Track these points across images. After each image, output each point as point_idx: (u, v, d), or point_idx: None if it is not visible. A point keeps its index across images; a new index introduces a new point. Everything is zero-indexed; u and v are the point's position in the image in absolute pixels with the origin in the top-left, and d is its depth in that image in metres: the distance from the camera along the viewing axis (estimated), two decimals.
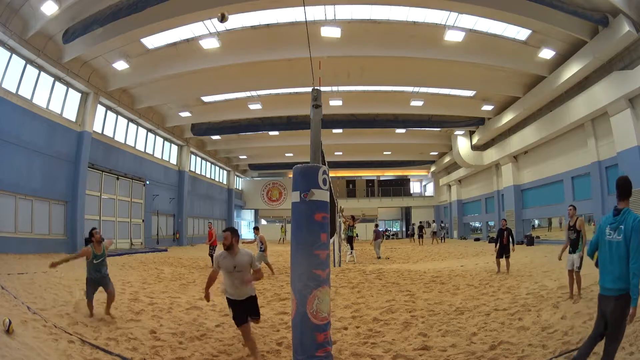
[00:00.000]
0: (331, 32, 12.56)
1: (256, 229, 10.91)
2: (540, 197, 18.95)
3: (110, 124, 16.97)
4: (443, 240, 25.27)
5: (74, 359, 3.54)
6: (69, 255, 6.17)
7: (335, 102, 18.16)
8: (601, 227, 2.97)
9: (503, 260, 9.14)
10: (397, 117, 21.06)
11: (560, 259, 6.36)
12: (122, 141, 17.87)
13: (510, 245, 9.07)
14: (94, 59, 13.62)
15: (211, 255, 11.65)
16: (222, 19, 4.77)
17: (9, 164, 11.32)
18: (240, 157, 30.92)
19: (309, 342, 3.13)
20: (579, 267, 5.87)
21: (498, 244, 9.17)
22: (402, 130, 24.38)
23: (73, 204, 13.72)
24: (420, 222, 27.78)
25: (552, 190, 17.73)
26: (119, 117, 17.50)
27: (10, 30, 10.58)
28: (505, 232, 9.08)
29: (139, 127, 19.23)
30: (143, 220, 19.30)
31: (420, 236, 24.71)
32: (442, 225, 28.92)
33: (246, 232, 38.37)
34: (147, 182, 19.65)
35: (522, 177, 20.29)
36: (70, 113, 14.10)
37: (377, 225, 16.72)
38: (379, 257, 14.55)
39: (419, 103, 18.42)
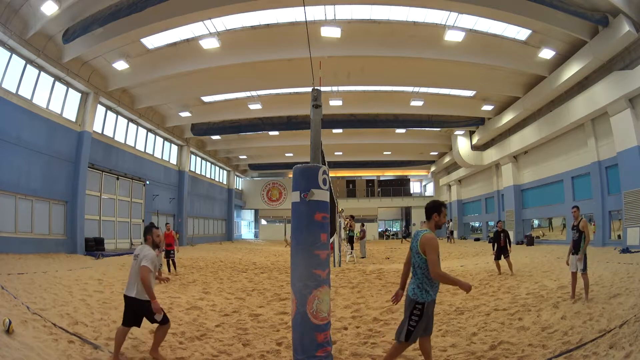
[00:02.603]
0: (331, 32, 12.56)
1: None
2: (540, 197, 18.95)
3: (110, 124, 16.97)
4: (452, 241, 25.03)
5: (74, 359, 3.54)
6: None
7: (335, 102, 18.16)
8: None
9: (502, 262, 9.12)
10: (397, 117, 21.05)
11: (567, 264, 6.10)
12: (122, 141, 17.86)
13: (508, 246, 9.07)
14: (94, 59, 13.62)
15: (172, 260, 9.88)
16: None
17: (9, 164, 11.32)
18: (240, 157, 30.92)
19: (309, 342, 3.12)
20: (583, 269, 5.63)
21: (495, 247, 9.18)
22: (402, 130, 24.40)
23: (73, 204, 13.72)
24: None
25: (552, 190, 17.73)
26: (119, 117, 17.49)
27: (10, 30, 10.58)
28: (502, 234, 9.08)
29: (139, 127, 19.23)
30: (143, 220, 19.29)
31: None
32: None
33: (246, 232, 38.37)
34: (147, 182, 19.65)
35: (522, 177, 20.29)
36: (70, 113, 14.10)
37: (363, 225, 17.00)
38: (364, 257, 14.85)
39: (419, 103, 18.43)
